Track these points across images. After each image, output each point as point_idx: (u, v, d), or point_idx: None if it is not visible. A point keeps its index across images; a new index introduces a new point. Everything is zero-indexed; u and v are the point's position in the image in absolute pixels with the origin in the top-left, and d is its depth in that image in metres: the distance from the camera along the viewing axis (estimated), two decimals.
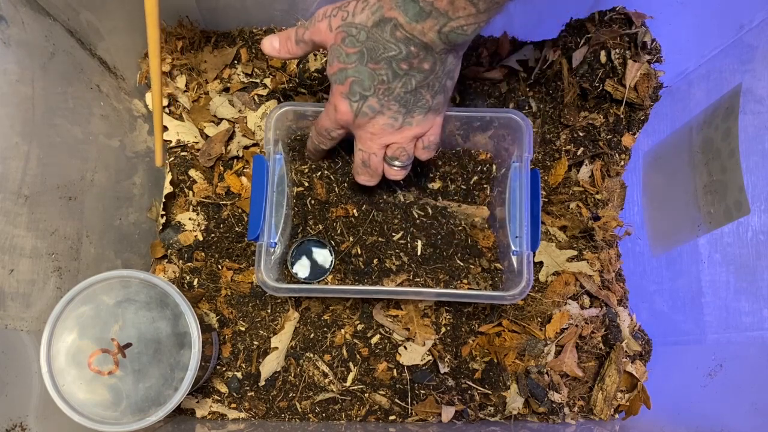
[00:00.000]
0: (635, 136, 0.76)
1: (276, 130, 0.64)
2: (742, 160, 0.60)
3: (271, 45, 0.60)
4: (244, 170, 0.76)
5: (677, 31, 0.73)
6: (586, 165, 0.76)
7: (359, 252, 0.67)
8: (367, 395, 0.70)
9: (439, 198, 0.70)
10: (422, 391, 0.70)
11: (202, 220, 0.75)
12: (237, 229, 0.74)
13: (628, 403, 0.71)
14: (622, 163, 0.76)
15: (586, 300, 0.73)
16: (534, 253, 0.62)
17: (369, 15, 0.50)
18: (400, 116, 0.54)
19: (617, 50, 0.74)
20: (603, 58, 0.74)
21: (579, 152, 0.76)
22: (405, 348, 0.70)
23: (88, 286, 0.55)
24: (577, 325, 0.72)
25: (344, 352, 0.71)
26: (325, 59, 0.77)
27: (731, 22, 0.65)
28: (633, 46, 0.74)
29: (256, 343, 0.71)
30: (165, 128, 0.76)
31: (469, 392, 0.70)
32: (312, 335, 0.71)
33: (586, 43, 0.74)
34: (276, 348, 0.71)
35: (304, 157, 0.69)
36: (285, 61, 0.59)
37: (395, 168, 0.59)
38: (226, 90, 0.77)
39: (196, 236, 0.74)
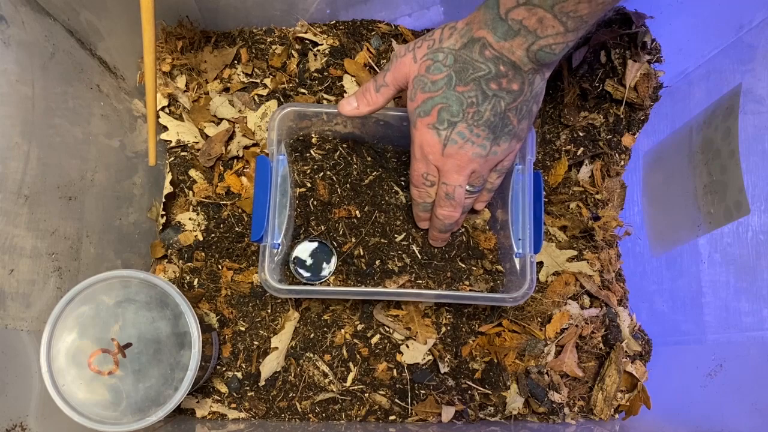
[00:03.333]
0: (635, 136, 0.76)
1: (279, 131, 0.64)
2: (742, 160, 0.60)
3: (350, 106, 0.58)
4: (244, 170, 0.76)
5: (677, 31, 0.73)
6: (586, 165, 0.76)
7: (361, 253, 0.67)
8: (367, 395, 0.70)
9: None
10: (422, 391, 0.70)
11: (202, 220, 0.75)
12: (237, 229, 0.74)
13: (628, 403, 0.71)
14: (622, 163, 0.76)
15: (586, 300, 0.74)
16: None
17: (458, 38, 0.50)
18: (488, 143, 0.53)
19: (617, 50, 0.74)
20: (603, 58, 0.74)
21: (579, 152, 0.76)
22: (407, 346, 0.70)
23: (88, 286, 0.55)
24: (577, 325, 0.72)
25: (344, 352, 0.71)
26: (324, 59, 0.77)
27: (731, 22, 0.65)
28: (633, 46, 0.74)
29: (256, 343, 0.71)
30: (165, 128, 0.76)
31: (469, 392, 0.70)
32: (312, 335, 0.71)
33: (585, 43, 0.74)
34: (276, 348, 0.71)
35: (307, 158, 0.69)
36: (367, 115, 0.59)
37: (466, 192, 0.58)
38: (226, 90, 0.77)
39: (196, 236, 0.74)
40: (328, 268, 0.67)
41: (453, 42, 0.50)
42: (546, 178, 0.75)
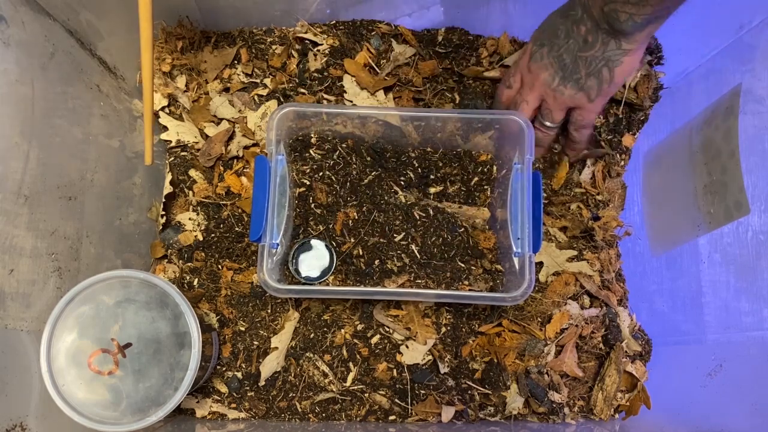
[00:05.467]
0: (635, 136, 0.76)
1: (278, 131, 0.64)
2: (742, 160, 0.60)
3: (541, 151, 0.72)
4: (244, 170, 0.76)
5: (677, 31, 0.73)
6: (588, 167, 0.76)
7: (360, 253, 0.67)
8: (367, 395, 0.70)
9: (441, 199, 0.70)
10: (422, 391, 0.70)
11: (202, 220, 0.75)
12: (237, 229, 0.74)
13: (628, 403, 0.71)
14: (622, 163, 0.76)
15: (586, 300, 0.73)
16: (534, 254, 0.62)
17: None
18: (557, 78, 0.63)
19: None
20: None
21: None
22: (407, 347, 0.70)
23: (88, 286, 0.55)
24: (577, 325, 0.72)
25: (344, 352, 0.71)
26: (324, 59, 0.77)
27: (731, 22, 0.65)
28: None
29: (256, 343, 0.71)
30: (165, 128, 0.76)
31: (469, 392, 0.70)
32: (312, 335, 0.71)
33: None
34: (276, 348, 0.71)
35: (306, 158, 0.69)
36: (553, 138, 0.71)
37: (543, 128, 0.68)
38: (226, 90, 0.77)
39: (196, 236, 0.74)
40: (328, 268, 0.67)
41: None
42: (548, 180, 0.75)
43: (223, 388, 0.71)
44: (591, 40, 0.58)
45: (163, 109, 0.76)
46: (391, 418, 0.70)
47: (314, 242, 0.67)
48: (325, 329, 0.71)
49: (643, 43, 0.59)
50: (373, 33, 0.77)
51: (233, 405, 0.70)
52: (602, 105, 0.65)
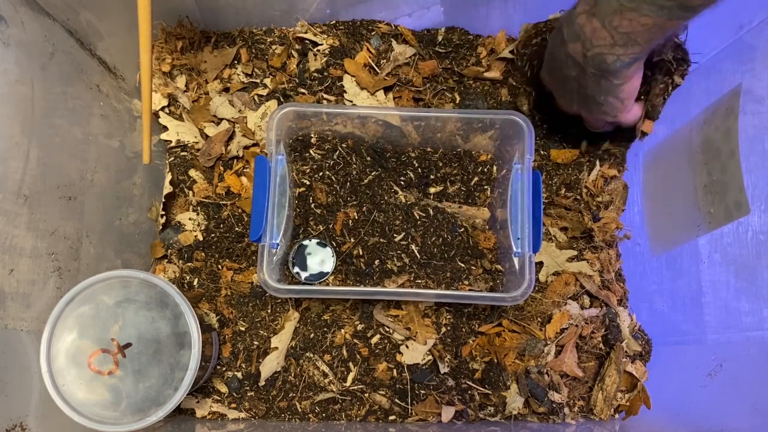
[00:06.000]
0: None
1: (278, 131, 0.64)
2: (742, 160, 0.60)
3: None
4: (244, 170, 0.76)
5: None
6: (597, 167, 0.75)
7: (360, 253, 0.67)
8: (367, 395, 0.70)
9: (441, 199, 0.70)
10: (422, 391, 0.70)
11: (202, 220, 0.75)
12: (237, 229, 0.74)
13: (628, 403, 0.71)
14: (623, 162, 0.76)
15: (586, 300, 0.73)
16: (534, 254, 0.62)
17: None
18: (575, 106, 0.65)
19: None
20: None
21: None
22: (407, 347, 0.70)
23: (88, 286, 0.55)
24: (577, 325, 0.72)
25: (344, 352, 0.71)
26: (324, 59, 0.77)
27: (731, 22, 0.65)
28: None
29: (256, 343, 0.71)
30: (165, 128, 0.76)
31: (469, 392, 0.70)
32: (312, 335, 0.71)
33: None
34: (276, 348, 0.71)
35: (306, 158, 0.69)
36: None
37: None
38: (226, 90, 0.77)
39: (196, 236, 0.74)
40: (328, 268, 0.67)
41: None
42: (551, 180, 0.75)
43: (223, 388, 0.71)
44: (583, 83, 0.59)
45: (163, 109, 0.76)
46: (391, 418, 0.70)
47: (314, 242, 0.67)
48: (325, 329, 0.71)
49: (635, 72, 0.58)
50: (373, 33, 0.77)
51: (233, 405, 0.70)
52: (628, 111, 0.64)
